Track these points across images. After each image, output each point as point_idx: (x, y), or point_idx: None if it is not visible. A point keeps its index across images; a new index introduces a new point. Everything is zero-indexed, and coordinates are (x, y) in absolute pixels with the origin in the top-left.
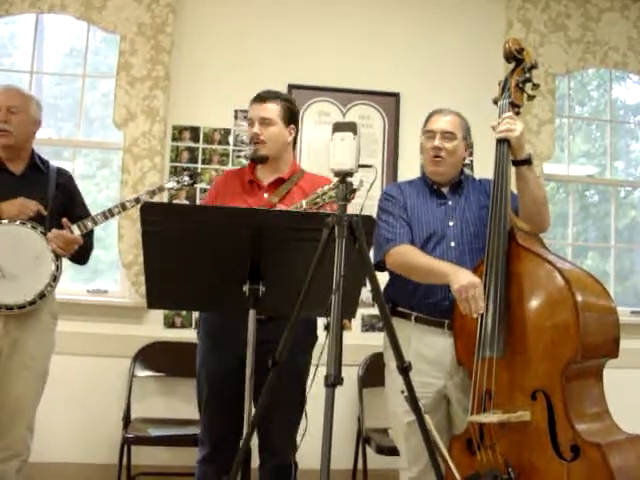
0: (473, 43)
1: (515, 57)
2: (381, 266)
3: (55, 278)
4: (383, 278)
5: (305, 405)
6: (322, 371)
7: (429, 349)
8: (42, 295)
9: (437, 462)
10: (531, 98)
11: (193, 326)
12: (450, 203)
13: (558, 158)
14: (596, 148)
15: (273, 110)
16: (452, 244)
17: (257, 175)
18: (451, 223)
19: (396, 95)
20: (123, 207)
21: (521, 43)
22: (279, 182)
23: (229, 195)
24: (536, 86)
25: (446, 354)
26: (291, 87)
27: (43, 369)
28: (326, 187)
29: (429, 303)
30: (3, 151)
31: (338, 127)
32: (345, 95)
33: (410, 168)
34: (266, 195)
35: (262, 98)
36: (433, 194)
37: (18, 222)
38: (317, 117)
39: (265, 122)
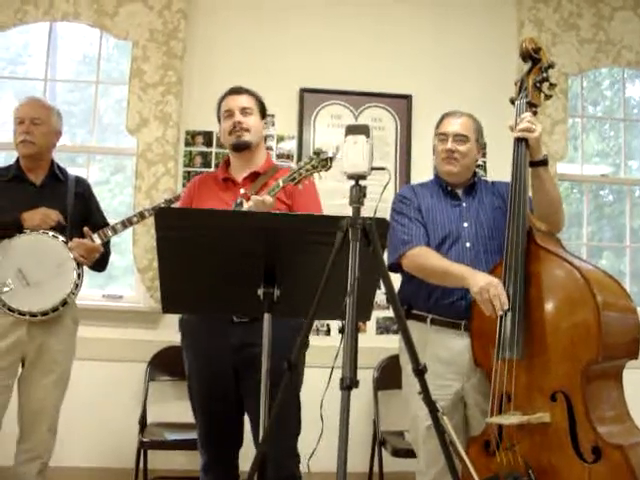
0: (485, 44)
1: (532, 56)
2: (395, 268)
3: (77, 286)
4: (396, 280)
5: (300, 414)
6: (337, 374)
7: (446, 351)
8: (64, 302)
9: (454, 464)
10: (548, 97)
11: None
12: (464, 204)
13: (572, 158)
14: (610, 147)
15: (251, 101)
16: (467, 245)
17: (231, 172)
18: (466, 224)
19: (408, 97)
20: (142, 216)
21: (537, 42)
22: (254, 176)
23: (204, 196)
24: (553, 85)
25: (463, 356)
26: (303, 91)
27: (66, 373)
28: (302, 162)
29: (445, 304)
30: (25, 161)
31: (351, 130)
32: (357, 98)
33: (423, 170)
34: (242, 190)
35: (238, 91)
36: (447, 195)
37: (41, 232)
38: (329, 120)
39: (246, 111)
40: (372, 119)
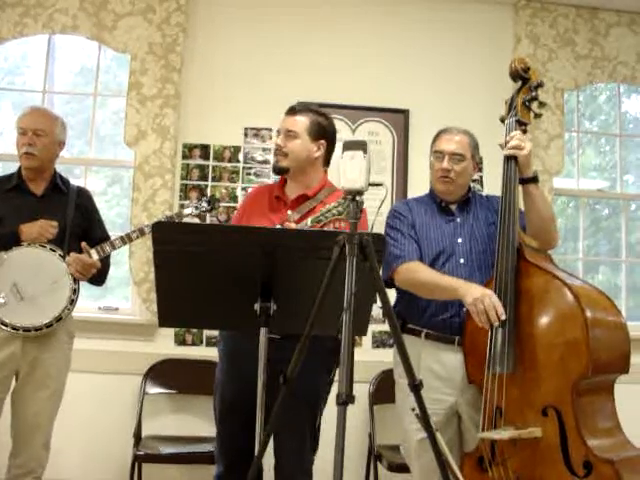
0: (481, 59)
1: (521, 76)
2: (389, 283)
3: (72, 301)
4: (392, 295)
5: (319, 432)
6: (333, 389)
7: (440, 366)
8: (59, 318)
9: (448, 479)
10: (538, 116)
11: (204, 343)
12: (458, 220)
13: (568, 172)
14: (606, 162)
15: (300, 123)
16: (461, 261)
17: (285, 191)
18: (460, 240)
19: (405, 112)
20: (141, 232)
21: (527, 62)
22: (303, 198)
23: (256, 212)
24: (543, 104)
25: (457, 370)
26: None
27: (60, 388)
28: (330, 205)
29: (440, 320)
30: (26, 171)
31: (348, 146)
32: (354, 112)
33: (420, 184)
34: (290, 212)
35: (293, 110)
36: (441, 211)
37: (37, 245)
38: None
39: (289, 134)
40: (369, 133)
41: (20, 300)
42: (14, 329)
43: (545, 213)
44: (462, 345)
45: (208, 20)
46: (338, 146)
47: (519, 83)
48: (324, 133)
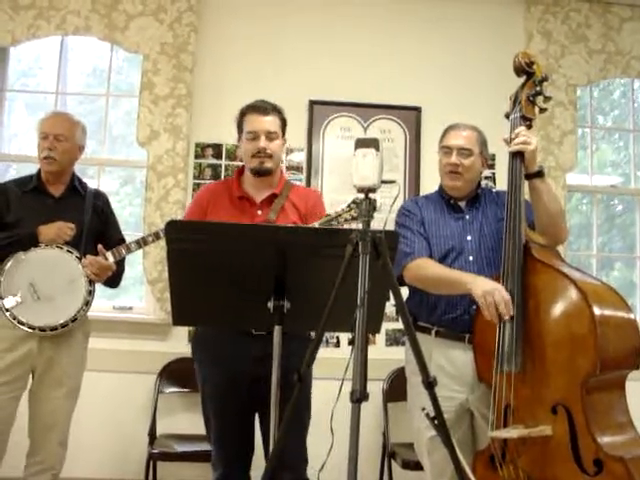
0: (493, 55)
1: (525, 70)
2: (400, 281)
3: (88, 302)
4: (404, 292)
5: (310, 417)
6: (347, 386)
7: (450, 363)
8: (74, 319)
9: (462, 477)
10: (543, 111)
11: None
12: (467, 217)
13: (583, 168)
14: (620, 157)
15: (275, 123)
16: (470, 258)
17: (246, 190)
18: (469, 237)
19: (417, 109)
20: (157, 236)
21: (531, 56)
22: (272, 197)
23: (221, 212)
24: (548, 98)
25: (467, 368)
26: (312, 103)
27: (76, 386)
28: (339, 209)
29: (449, 318)
30: (46, 174)
31: (360, 143)
32: (366, 110)
33: (432, 181)
34: (259, 212)
35: (265, 110)
36: (450, 208)
37: (55, 246)
38: (339, 132)
39: (271, 136)
40: (381, 131)
41: (37, 300)
42: (30, 328)
43: (553, 208)
44: (472, 343)
45: (219, 19)
46: (351, 144)
47: (523, 78)
48: (285, 129)
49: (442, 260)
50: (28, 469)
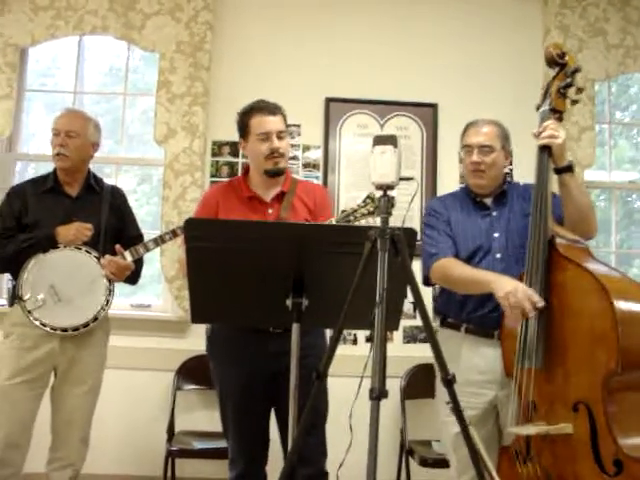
0: (510, 51)
1: (557, 62)
2: (428, 281)
3: (108, 302)
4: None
5: (328, 410)
6: (365, 383)
7: (480, 360)
8: (95, 319)
9: (482, 473)
10: (574, 103)
11: None
12: (494, 214)
13: (602, 164)
14: (639, 153)
15: (283, 121)
16: (498, 256)
17: (255, 190)
18: (496, 234)
19: (434, 105)
20: (174, 234)
21: (562, 47)
22: (281, 195)
23: (232, 212)
24: (580, 90)
25: (497, 364)
26: (329, 100)
27: (97, 384)
28: (356, 204)
29: (479, 315)
30: (61, 173)
31: (378, 140)
32: (382, 107)
33: (449, 178)
34: (270, 210)
35: (272, 111)
36: (477, 206)
37: (73, 247)
38: (355, 129)
39: (281, 135)
40: (398, 128)
41: (58, 302)
42: (52, 329)
43: (582, 203)
44: (500, 339)
45: (235, 17)
46: (367, 141)
47: (555, 70)
48: (286, 126)
49: (469, 259)
50: (51, 464)
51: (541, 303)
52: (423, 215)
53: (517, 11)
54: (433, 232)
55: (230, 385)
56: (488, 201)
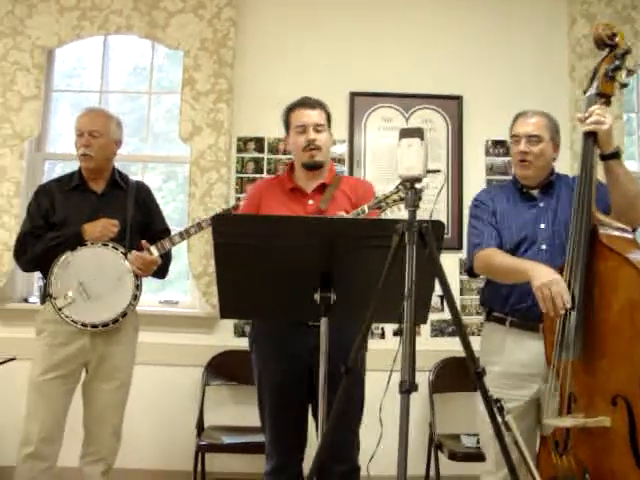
0: (535, 41)
1: (606, 43)
2: (472, 272)
3: (136, 297)
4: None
5: (364, 402)
6: (394, 377)
7: (524, 353)
8: (124, 314)
9: (512, 465)
10: (624, 86)
11: None
12: (541, 205)
13: (630, 154)
14: None
15: (322, 116)
16: (543, 247)
17: (297, 182)
18: (542, 225)
19: (459, 98)
20: (199, 227)
21: (613, 27)
22: (322, 187)
23: (272, 204)
24: (631, 72)
25: (540, 357)
26: (353, 94)
27: (127, 379)
28: (388, 191)
29: (522, 308)
30: (86, 171)
31: (405, 133)
32: (407, 100)
33: (475, 171)
34: (311, 202)
35: (311, 105)
36: (523, 197)
37: (100, 244)
38: (380, 123)
39: (318, 128)
40: (423, 121)
41: (87, 299)
42: (83, 326)
43: (630, 190)
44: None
45: (258, 13)
46: (393, 135)
47: (605, 51)
48: (330, 124)
49: (515, 250)
50: (83, 459)
51: (569, 304)
52: (469, 206)
53: (542, 1)
54: (478, 222)
55: (270, 379)
56: (535, 192)
